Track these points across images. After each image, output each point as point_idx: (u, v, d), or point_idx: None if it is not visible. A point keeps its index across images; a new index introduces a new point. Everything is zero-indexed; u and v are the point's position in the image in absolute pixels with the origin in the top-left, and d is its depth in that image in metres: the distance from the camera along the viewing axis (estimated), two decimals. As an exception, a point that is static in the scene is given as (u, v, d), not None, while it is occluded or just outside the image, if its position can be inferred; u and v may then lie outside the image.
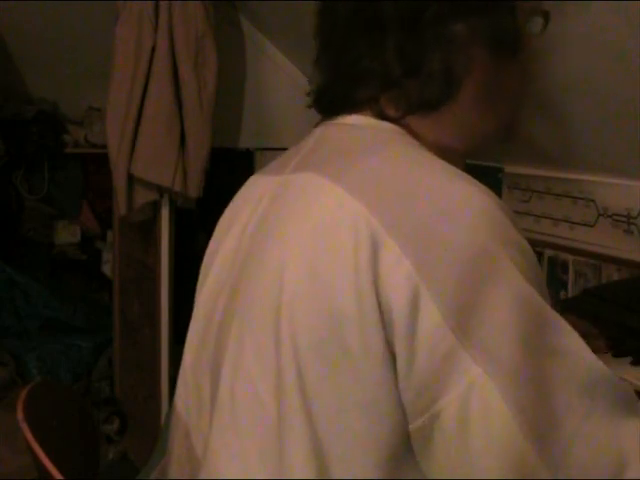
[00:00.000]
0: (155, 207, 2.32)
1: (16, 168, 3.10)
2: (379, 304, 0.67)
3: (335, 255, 0.69)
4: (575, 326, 1.12)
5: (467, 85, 0.82)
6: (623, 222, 1.54)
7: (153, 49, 2.13)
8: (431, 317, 0.65)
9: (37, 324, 2.99)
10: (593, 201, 1.62)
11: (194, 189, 2.20)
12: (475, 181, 0.73)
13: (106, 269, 3.18)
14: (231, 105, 2.44)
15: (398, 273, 0.66)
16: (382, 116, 0.82)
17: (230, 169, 2.31)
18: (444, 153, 0.81)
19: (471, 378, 0.64)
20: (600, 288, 1.54)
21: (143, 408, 2.57)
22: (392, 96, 0.81)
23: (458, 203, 0.69)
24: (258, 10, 2.36)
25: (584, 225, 1.65)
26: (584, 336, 1.07)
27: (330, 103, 0.87)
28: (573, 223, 1.68)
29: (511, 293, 0.66)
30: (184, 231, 2.44)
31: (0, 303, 2.99)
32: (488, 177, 1.92)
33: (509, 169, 1.89)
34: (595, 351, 1.06)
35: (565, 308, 1.30)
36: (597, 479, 0.65)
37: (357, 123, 0.83)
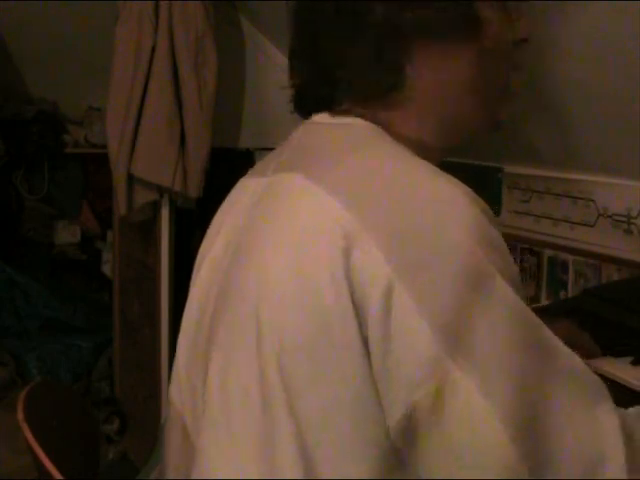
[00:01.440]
0: (155, 207, 2.32)
1: (16, 168, 3.10)
2: (353, 298, 0.68)
3: (316, 255, 0.70)
4: (565, 329, 1.13)
5: (420, 72, 0.81)
6: (623, 222, 1.54)
7: (153, 49, 2.13)
8: (405, 310, 0.66)
9: (37, 324, 2.99)
10: (593, 201, 1.62)
11: (194, 189, 2.21)
12: (454, 179, 0.73)
13: (106, 269, 3.18)
14: (231, 105, 2.44)
15: (372, 269, 0.67)
16: (344, 112, 0.83)
17: (230, 169, 2.30)
18: (421, 150, 0.81)
19: (446, 369, 0.65)
20: (600, 288, 1.54)
21: (143, 408, 2.57)
22: (349, 88, 0.82)
23: (436, 201, 0.70)
24: (258, 10, 2.36)
25: (584, 225, 1.65)
26: (573, 342, 1.08)
27: (305, 104, 0.88)
28: (573, 223, 1.68)
29: (481, 286, 0.67)
30: (184, 231, 2.44)
31: (0, 303, 2.99)
32: (488, 177, 1.92)
33: (509, 169, 1.89)
34: (590, 356, 1.06)
35: (565, 308, 1.30)
36: (576, 473, 0.66)
37: (334, 122, 0.84)
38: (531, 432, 0.65)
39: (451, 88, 0.83)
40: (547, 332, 0.70)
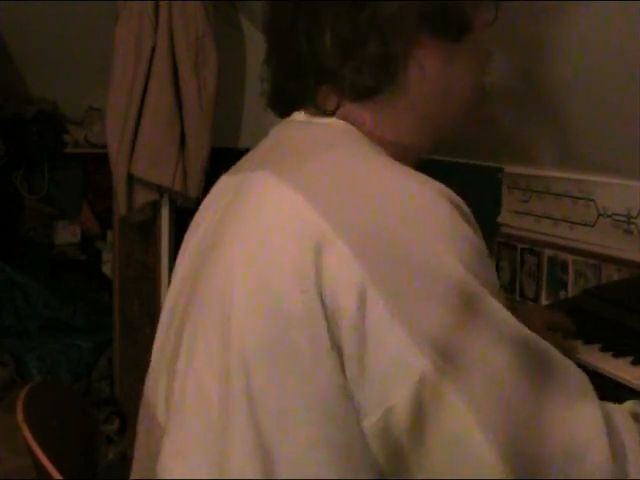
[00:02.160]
0: (155, 207, 2.32)
1: (16, 168, 3.10)
2: (323, 302, 0.67)
3: (280, 256, 0.70)
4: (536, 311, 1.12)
5: (412, 71, 0.81)
6: (623, 222, 1.54)
7: (153, 49, 2.13)
8: (379, 313, 0.65)
9: (37, 324, 2.99)
10: (593, 201, 1.62)
11: (194, 189, 2.21)
12: (424, 178, 0.73)
13: (106, 269, 3.18)
14: (231, 105, 2.44)
15: (345, 271, 0.66)
16: (325, 111, 0.82)
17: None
18: (398, 149, 0.81)
19: (422, 370, 0.64)
20: (600, 288, 1.54)
21: (143, 408, 2.57)
22: (333, 87, 0.81)
23: (407, 203, 0.70)
24: (258, 10, 2.35)
25: (584, 225, 1.65)
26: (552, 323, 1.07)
27: (280, 102, 0.88)
28: (573, 223, 1.68)
29: (453, 288, 0.66)
30: (184, 231, 2.44)
31: (0, 303, 2.99)
32: (488, 177, 1.92)
33: (509, 169, 1.89)
34: (568, 331, 1.08)
35: (565, 308, 1.30)
36: (560, 466, 0.65)
37: (309, 120, 0.84)
38: (505, 429, 0.65)
39: (438, 87, 0.83)
40: (517, 324, 0.69)
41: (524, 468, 0.65)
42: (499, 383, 0.65)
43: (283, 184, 0.74)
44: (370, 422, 0.67)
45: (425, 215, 0.69)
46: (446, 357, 0.65)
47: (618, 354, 1.06)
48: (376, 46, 0.78)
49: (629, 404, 0.76)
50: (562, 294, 1.73)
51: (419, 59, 0.81)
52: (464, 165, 1.98)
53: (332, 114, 0.82)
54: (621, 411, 0.73)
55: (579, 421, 0.67)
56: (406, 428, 0.66)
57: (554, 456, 0.65)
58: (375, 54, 0.78)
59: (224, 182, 0.90)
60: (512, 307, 0.71)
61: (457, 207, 0.71)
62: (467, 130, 0.91)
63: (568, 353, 0.99)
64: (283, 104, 0.87)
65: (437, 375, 0.64)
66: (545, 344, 0.70)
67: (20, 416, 0.94)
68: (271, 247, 0.71)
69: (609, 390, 0.86)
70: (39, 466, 0.89)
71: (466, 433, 0.65)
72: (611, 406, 0.72)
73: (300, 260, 0.68)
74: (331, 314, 0.67)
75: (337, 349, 0.67)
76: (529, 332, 0.69)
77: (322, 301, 0.67)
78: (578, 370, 0.71)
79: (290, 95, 0.85)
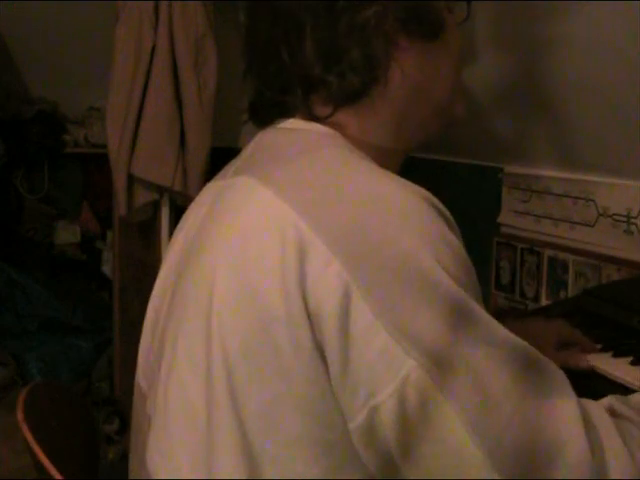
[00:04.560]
0: (155, 207, 2.32)
1: (16, 168, 3.09)
2: (306, 305, 0.67)
3: (262, 258, 0.70)
4: (558, 327, 1.13)
5: (394, 71, 0.82)
6: (623, 222, 1.54)
7: (153, 49, 2.13)
8: (363, 315, 0.66)
9: (37, 324, 2.99)
10: (593, 201, 1.62)
11: (194, 189, 2.20)
12: (404, 181, 0.74)
13: (106, 269, 3.18)
14: (231, 105, 2.44)
15: (327, 273, 0.67)
16: (313, 117, 0.83)
17: (230, 169, 2.31)
18: (380, 153, 0.83)
19: (406, 371, 0.65)
20: (600, 288, 1.54)
21: (143, 408, 2.57)
22: (320, 95, 0.83)
23: (383, 204, 0.70)
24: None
25: (584, 225, 1.65)
26: (567, 340, 1.08)
27: (263, 113, 0.89)
28: (573, 223, 1.68)
29: (433, 289, 0.67)
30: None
31: (0, 303, 2.99)
32: (488, 177, 1.92)
33: (509, 169, 1.89)
34: (586, 351, 1.07)
35: (565, 308, 1.30)
36: (536, 464, 0.66)
37: (292, 127, 0.85)
38: (487, 424, 0.65)
39: (418, 85, 0.85)
40: (490, 324, 0.69)
41: (510, 466, 0.65)
42: (483, 382, 0.66)
43: (263, 187, 0.75)
44: (355, 423, 0.68)
45: (404, 217, 0.70)
46: (430, 357, 0.65)
47: (618, 354, 1.07)
48: (358, 50, 0.80)
49: (607, 399, 0.77)
50: (562, 294, 1.73)
51: (399, 59, 0.82)
52: (464, 165, 1.98)
53: (324, 122, 0.83)
54: (598, 406, 0.73)
55: (559, 418, 0.67)
56: (392, 427, 0.66)
57: (539, 452, 0.66)
58: (357, 58, 0.80)
59: (208, 188, 0.92)
60: (518, 321, 0.70)
61: (437, 210, 0.72)
62: (448, 127, 0.93)
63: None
64: (268, 115, 0.88)
65: (422, 374, 0.65)
66: (525, 344, 0.70)
67: (20, 416, 0.94)
68: (252, 249, 0.72)
69: (608, 390, 0.86)
70: (39, 466, 0.89)
71: (452, 431, 0.65)
72: (588, 403, 0.73)
73: (283, 260, 0.69)
74: (314, 317, 0.67)
75: (320, 351, 0.68)
76: (510, 333, 0.70)
77: (305, 304, 0.68)
78: (556, 368, 0.72)
79: (277, 106, 0.86)
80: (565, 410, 0.68)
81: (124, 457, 2.50)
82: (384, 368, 0.65)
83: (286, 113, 0.86)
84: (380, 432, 0.67)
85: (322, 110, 0.83)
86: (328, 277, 0.67)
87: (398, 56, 0.82)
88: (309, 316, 0.68)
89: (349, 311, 0.66)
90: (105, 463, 2.45)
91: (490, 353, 0.67)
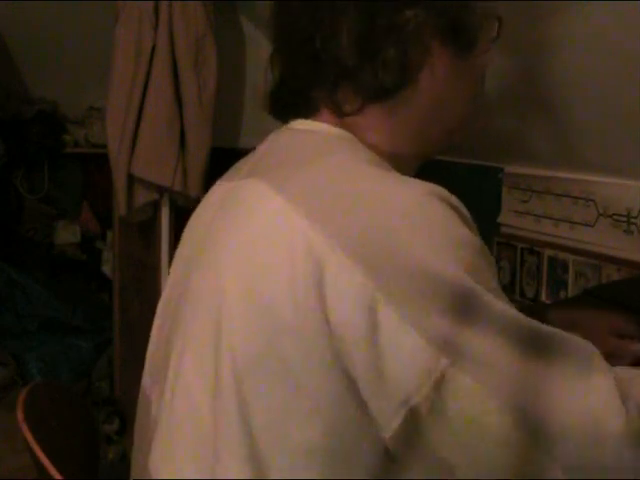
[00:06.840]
0: (155, 207, 2.32)
1: (16, 168, 3.10)
2: (327, 317, 0.66)
3: (270, 269, 0.70)
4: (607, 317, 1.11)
5: (424, 76, 0.82)
6: (623, 222, 1.54)
7: (153, 49, 2.13)
8: (390, 320, 0.65)
9: (37, 324, 2.99)
10: (593, 201, 1.62)
11: (194, 189, 2.20)
12: (421, 182, 0.73)
13: (106, 269, 3.18)
14: (231, 105, 2.44)
15: (349, 282, 0.66)
16: (339, 113, 0.82)
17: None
18: (395, 158, 0.82)
19: (441, 371, 0.65)
20: (600, 288, 1.54)
21: (143, 408, 2.57)
22: (348, 89, 0.82)
23: (399, 206, 0.69)
24: (258, 10, 2.35)
25: (584, 225, 1.65)
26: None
27: (285, 105, 0.88)
28: (573, 223, 1.68)
29: (445, 287, 0.66)
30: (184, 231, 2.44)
31: (0, 303, 2.99)
32: (488, 177, 1.92)
33: (509, 169, 1.89)
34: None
35: (565, 308, 1.30)
36: (579, 437, 0.65)
37: (308, 128, 0.84)
38: (529, 409, 0.65)
39: (443, 95, 0.85)
40: (515, 313, 0.69)
41: (566, 452, 0.65)
42: (509, 367, 0.66)
43: (274, 193, 0.74)
44: (391, 430, 0.67)
45: (421, 218, 0.69)
46: (458, 352, 0.65)
47: (618, 354, 1.06)
48: (394, 50, 0.80)
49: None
50: (562, 294, 1.73)
51: (431, 66, 0.82)
52: (464, 165, 1.98)
53: (332, 124, 0.82)
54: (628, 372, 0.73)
55: (592, 391, 0.67)
56: (432, 427, 0.66)
57: (585, 431, 0.65)
58: (393, 57, 0.80)
59: (217, 188, 0.90)
60: (572, 316, 0.68)
61: (454, 209, 0.71)
62: (460, 139, 0.93)
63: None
64: (288, 106, 0.87)
65: (457, 372, 0.65)
66: (548, 328, 0.70)
67: (20, 416, 0.94)
68: (260, 259, 0.71)
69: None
70: (39, 466, 0.89)
71: (486, 414, 0.65)
72: (630, 372, 0.72)
73: (293, 271, 0.68)
74: (337, 327, 0.66)
75: (339, 362, 0.67)
76: (528, 319, 0.70)
77: (326, 315, 0.66)
78: (586, 344, 0.71)
79: (300, 96, 0.85)
80: (599, 384, 0.67)
81: (124, 457, 2.50)
82: (418, 370, 0.65)
83: (307, 106, 0.84)
84: (423, 433, 0.66)
85: (348, 105, 0.82)
86: (349, 285, 0.66)
87: (432, 63, 0.82)
88: (330, 327, 0.66)
89: (376, 319, 0.65)
90: (105, 463, 2.45)
91: (514, 341, 0.66)
